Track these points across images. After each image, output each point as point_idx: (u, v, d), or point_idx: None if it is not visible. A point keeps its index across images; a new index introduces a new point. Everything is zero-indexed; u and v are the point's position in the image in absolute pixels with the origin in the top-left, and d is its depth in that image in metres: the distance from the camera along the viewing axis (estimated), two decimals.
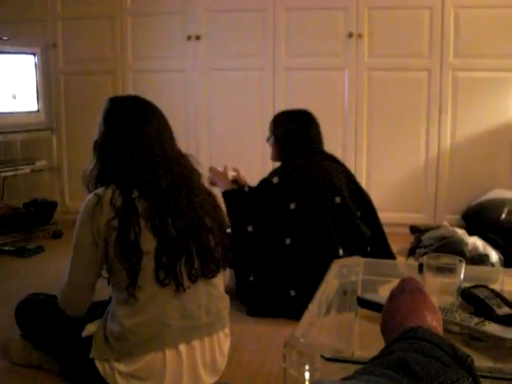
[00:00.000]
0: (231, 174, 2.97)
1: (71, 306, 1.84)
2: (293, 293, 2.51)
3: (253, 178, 2.78)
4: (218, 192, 2.63)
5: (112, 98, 1.88)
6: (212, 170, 2.91)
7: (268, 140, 2.84)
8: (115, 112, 1.81)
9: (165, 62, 4.08)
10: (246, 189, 2.74)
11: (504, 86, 3.74)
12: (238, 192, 2.74)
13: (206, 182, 1.93)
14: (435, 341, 0.72)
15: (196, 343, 1.77)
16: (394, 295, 0.92)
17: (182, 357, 1.74)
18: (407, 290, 0.91)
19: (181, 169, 1.80)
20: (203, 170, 1.98)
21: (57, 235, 3.87)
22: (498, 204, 3.45)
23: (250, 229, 2.63)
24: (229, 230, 2.38)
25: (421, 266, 1.41)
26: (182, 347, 1.74)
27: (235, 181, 2.97)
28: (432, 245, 3.20)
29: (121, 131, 1.78)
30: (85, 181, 1.82)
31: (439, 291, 1.32)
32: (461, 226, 3.48)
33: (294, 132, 2.72)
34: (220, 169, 2.92)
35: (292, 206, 2.58)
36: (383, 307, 0.92)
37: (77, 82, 4.21)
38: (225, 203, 2.69)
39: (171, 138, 1.85)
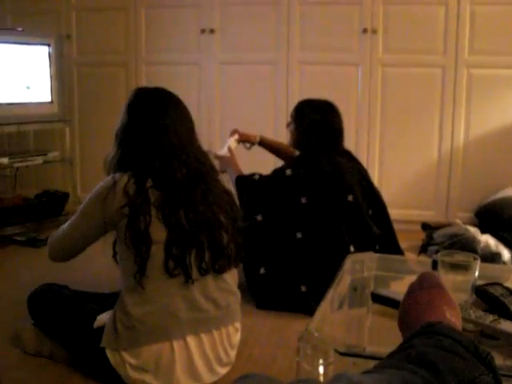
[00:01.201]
0: (234, 139, 3.02)
1: (57, 254, 1.93)
2: (304, 288, 2.51)
3: (266, 172, 2.77)
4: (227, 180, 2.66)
5: (138, 88, 1.92)
6: (217, 157, 2.88)
7: (288, 126, 2.83)
8: (138, 102, 1.84)
9: (178, 55, 4.08)
10: (257, 177, 2.71)
11: None
12: (248, 180, 2.73)
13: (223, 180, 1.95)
14: (455, 336, 0.72)
15: (204, 336, 1.78)
16: (412, 290, 0.91)
17: (190, 348, 1.74)
18: (426, 285, 0.90)
19: (198, 164, 1.81)
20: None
21: None
22: None
23: (259, 218, 2.63)
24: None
25: (435, 263, 1.41)
26: (190, 339, 1.75)
27: (241, 141, 3.08)
28: (444, 242, 3.19)
29: (141, 121, 1.80)
30: (106, 168, 1.85)
31: (453, 288, 1.32)
32: (473, 224, 3.46)
33: (317, 123, 2.68)
34: (224, 152, 2.92)
35: (303, 200, 2.58)
36: (401, 302, 0.92)
37: (90, 74, 4.22)
38: (236, 190, 2.69)
39: (192, 132, 1.87)
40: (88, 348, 1.82)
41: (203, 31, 3.98)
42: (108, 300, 1.97)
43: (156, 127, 1.78)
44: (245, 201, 2.67)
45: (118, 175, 1.75)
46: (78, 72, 4.24)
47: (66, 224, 1.87)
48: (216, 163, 2.72)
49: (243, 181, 2.73)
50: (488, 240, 3.08)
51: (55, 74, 3.85)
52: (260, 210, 2.63)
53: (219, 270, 1.80)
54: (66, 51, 4.11)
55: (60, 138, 4.09)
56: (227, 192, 1.91)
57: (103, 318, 1.82)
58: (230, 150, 2.93)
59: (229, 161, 2.88)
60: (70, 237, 1.85)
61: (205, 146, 1.92)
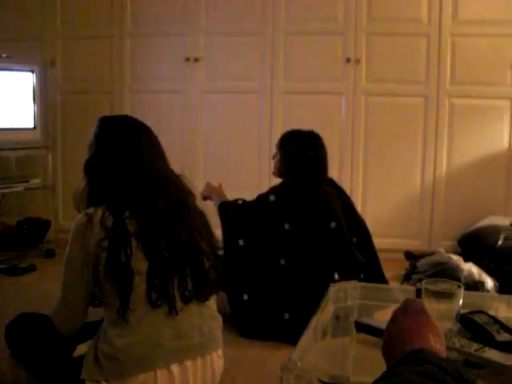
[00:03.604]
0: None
1: (64, 324, 1.81)
2: (287, 316, 2.49)
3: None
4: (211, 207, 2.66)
5: (102, 117, 1.87)
6: (208, 185, 2.96)
7: (274, 157, 2.86)
8: (106, 132, 1.80)
9: (163, 83, 4.09)
10: (240, 202, 2.74)
11: (499, 113, 3.76)
12: (232, 205, 2.74)
13: (198, 197, 1.92)
14: (440, 363, 0.71)
15: (188, 363, 1.73)
16: (396, 317, 0.90)
17: (173, 377, 1.70)
18: (410, 312, 0.89)
19: (176, 190, 1.79)
20: (197, 191, 1.96)
21: (49, 254, 3.83)
22: (494, 231, 3.45)
23: (241, 242, 2.62)
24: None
25: (418, 291, 1.40)
26: (174, 367, 1.70)
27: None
28: (427, 271, 3.19)
29: (112, 152, 1.76)
30: (75, 202, 1.80)
31: (437, 317, 1.30)
32: (456, 253, 3.47)
33: (301, 153, 2.72)
34: (215, 184, 2.97)
35: (286, 226, 2.58)
36: (385, 329, 0.90)
37: (74, 101, 4.21)
38: (219, 215, 2.69)
39: (163, 158, 1.84)
40: (67, 379, 1.78)
41: (188, 59, 4.00)
42: (89, 329, 1.93)
43: (130, 157, 1.74)
44: (227, 226, 2.67)
45: (90, 210, 1.70)
46: (62, 99, 4.23)
47: (58, 293, 1.78)
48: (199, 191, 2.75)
49: (226, 206, 2.74)
50: (471, 268, 3.08)
51: (39, 100, 3.84)
52: (242, 234, 2.64)
53: (202, 297, 1.78)
54: (51, 78, 4.11)
55: (42, 164, 4.06)
56: (203, 214, 1.88)
57: (83, 348, 1.77)
58: (220, 185, 2.98)
59: (215, 188, 2.91)
60: (68, 300, 1.75)
61: (178, 172, 1.89)
